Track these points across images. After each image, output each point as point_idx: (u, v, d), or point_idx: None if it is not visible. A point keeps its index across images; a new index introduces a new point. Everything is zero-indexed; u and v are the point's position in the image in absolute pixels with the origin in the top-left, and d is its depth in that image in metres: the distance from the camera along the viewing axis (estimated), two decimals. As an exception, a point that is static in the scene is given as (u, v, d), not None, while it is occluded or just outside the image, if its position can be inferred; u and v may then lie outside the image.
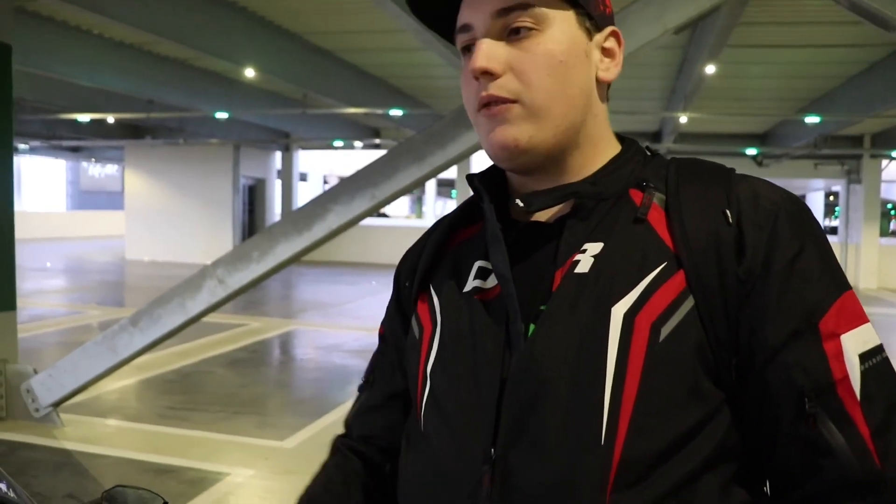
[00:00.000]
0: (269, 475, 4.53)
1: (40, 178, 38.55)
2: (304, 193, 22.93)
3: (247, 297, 11.74)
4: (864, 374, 0.77)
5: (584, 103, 0.89)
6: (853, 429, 0.76)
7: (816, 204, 29.26)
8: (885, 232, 47.80)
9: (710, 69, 8.97)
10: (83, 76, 10.00)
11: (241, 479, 4.44)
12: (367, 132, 18.86)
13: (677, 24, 4.07)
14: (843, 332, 0.78)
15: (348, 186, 4.76)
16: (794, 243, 0.80)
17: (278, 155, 21.39)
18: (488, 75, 0.85)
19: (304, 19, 9.10)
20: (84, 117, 14.18)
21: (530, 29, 0.85)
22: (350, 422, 1.09)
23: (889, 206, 45.18)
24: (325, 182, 31.72)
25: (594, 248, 0.85)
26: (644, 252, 0.83)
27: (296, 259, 4.98)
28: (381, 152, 4.92)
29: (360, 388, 1.10)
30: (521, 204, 0.87)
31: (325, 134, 17.90)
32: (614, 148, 0.94)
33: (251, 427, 5.47)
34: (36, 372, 5.38)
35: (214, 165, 19.37)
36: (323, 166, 29.02)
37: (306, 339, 9.68)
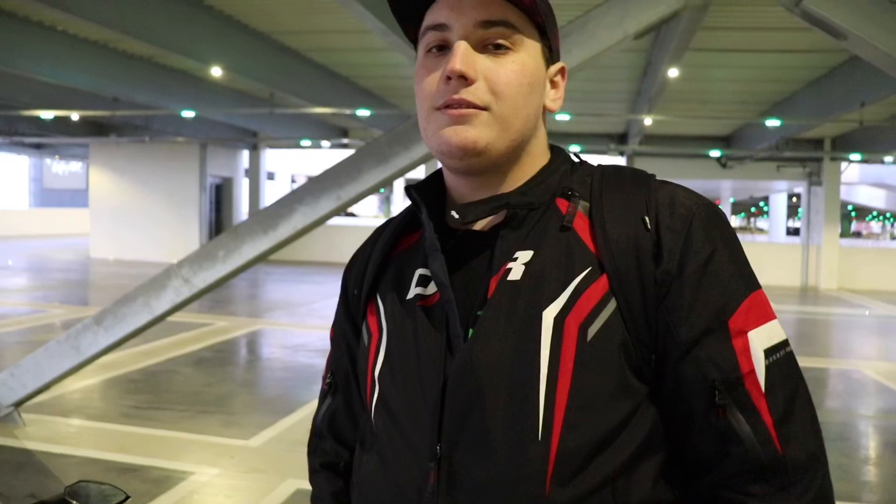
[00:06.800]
0: (234, 474, 4.54)
1: (2, 175, 37.94)
2: (272, 192, 22.83)
3: (213, 296, 11.69)
4: (768, 368, 0.84)
5: (534, 124, 0.95)
6: (758, 418, 0.83)
7: (780, 205, 29.66)
8: (846, 233, 48.76)
9: (674, 72, 9.12)
10: (47, 72, 9.87)
11: (206, 478, 4.45)
12: (335, 132, 18.83)
13: (637, 29, 4.15)
14: (751, 329, 0.85)
15: (314, 187, 4.79)
16: (706, 246, 0.86)
17: (246, 154, 21.27)
18: (463, 79, 0.88)
19: (271, 18, 9.09)
20: (48, 114, 14.00)
21: (507, 48, 0.90)
22: (320, 427, 1.14)
23: (850, 207, 46.10)
24: (293, 181, 31.58)
25: (525, 255, 0.90)
26: (570, 258, 0.88)
27: (262, 258, 5.00)
28: (349, 152, 4.96)
29: (324, 392, 1.14)
30: (457, 216, 0.92)
31: (292, 133, 17.85)
32: (544, 158, 0.99)
33: (216, 426, 5.47)
34: (-3, 371, 5.34)
35: (181, 164, 19.21)
36: (291, 165, 28.89)
37: (273, 338, 9.66)
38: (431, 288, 0.95)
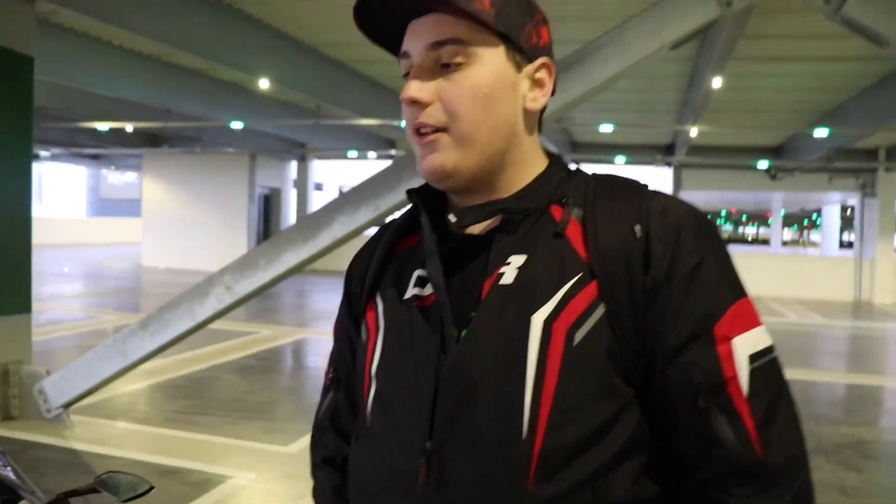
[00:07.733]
0: (271, 479, 4.62)
1: (62, 184, 39.05)
2: (320, 203, 23.06)
3: (259, 305, 11.88)
4: (752, 373, 0.86)
5: (508, 132, 0.96)
6: (740, 422, 0.85)
7: (833, 218, 28.95)
8: (904, 246, 47.12)
9: (717, 82, 9.00)
10: (102, 86, 10.18)
11: (244, 482, 4.53)
12: (381, 143, 18.99)
13: (674, 38, 4.14)
14: (735, 336, 0.87)
15: (353, 197, 4.87)
16: (694, 255, 0.89)
17: (294, 164, 21.58)
18: (417, 104, 0.93)
19: (318, 31, 9.23)
20: (103, 126, 14.40)
21: (459, 63, 0.92)
22: (322, 420, 1.17)
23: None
24: (341, 192, 31.89)
25: (518, 260, 0.93)
26: (562, 264, 0.91)
27: (302, 267, 5.08)
28: (395, 163, 5.05)
29: (326, 387, 1.17)
30: (454, 219, 0.95)
31: (339, 144, 18.05)
32: (541, 166, 1.01)
33: (257, 432, 5.56)
34: (48, 373, 5.51)
35: (231, 174, 19.58)
36: (339, 176, 29.18)
37: (317, 347, 9.76)
38: (428, 289, 0.97)
